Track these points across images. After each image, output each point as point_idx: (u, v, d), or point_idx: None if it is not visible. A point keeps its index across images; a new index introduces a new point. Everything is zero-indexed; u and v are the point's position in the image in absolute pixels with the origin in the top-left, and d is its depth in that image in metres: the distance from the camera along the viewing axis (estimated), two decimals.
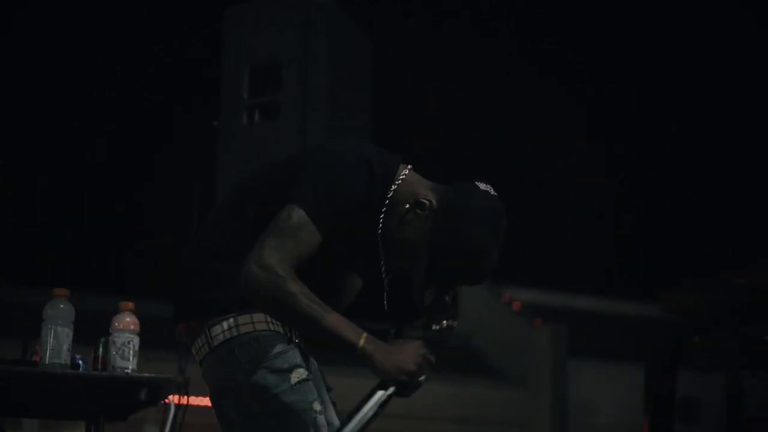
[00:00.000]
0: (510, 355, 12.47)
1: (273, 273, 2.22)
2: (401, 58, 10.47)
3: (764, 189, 11.35)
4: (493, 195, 2.38)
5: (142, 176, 11.08)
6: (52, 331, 3.12)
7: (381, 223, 2.38)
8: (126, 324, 3.22)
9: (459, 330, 2.39)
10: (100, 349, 3.23)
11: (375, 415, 2.29)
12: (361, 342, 2.26)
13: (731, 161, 12.12)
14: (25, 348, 3.25)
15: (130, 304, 3.25)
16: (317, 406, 2.31)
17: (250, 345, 2.32)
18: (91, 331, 3.32)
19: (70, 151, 10.80)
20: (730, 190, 12.09)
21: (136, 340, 3.23)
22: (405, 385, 2.31)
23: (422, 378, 2.32)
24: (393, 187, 2.39)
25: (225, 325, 2.34)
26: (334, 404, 2.53)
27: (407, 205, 2.37)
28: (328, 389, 2.54)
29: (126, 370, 3.19)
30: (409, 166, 2.45)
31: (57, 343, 3.12)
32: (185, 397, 3.72)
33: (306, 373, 2.33)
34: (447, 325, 2.34)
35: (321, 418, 2.32)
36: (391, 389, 2.31)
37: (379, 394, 2.31)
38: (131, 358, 3.20)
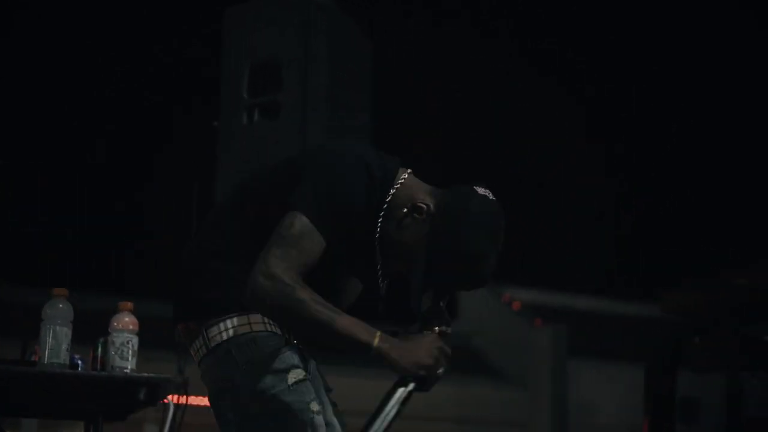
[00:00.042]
0: (510, 355, 12.47)
1: (280, 282, 2.22)
2: (401, 58, 10.47)
3: (764, 189, 11.35)
4: (492, 199, 2.37)
5: (142, 176, 11.09)
6: (51, 331, 3.11)
7: (379, 226, 2.38)
8: (125, 324, 3.21)
9: (459, 330, 2.38)
10: (99, 349, 3.23)
11: (398, 413, 2.29)
12: (376, 341, 2.25)
13: (731, 161, 12.13)
14: (24, 348, 3.24)
15: (129, 304, 3.25)
16: (315, 406, 2.31)
17: (247, 346, 2.32)
18: (91, 330, 3.32)
19: (70, 151, 10.80)
20: (730, 190, 12.09)
21: (135, 340, 3.22)
22: (424, 380, 2.30)
23: (440, 371, 2.32)
24: (392, 191, 2.38)
25: (222, 326, 2.34)
26: (334, 405, 2.52)
27: (405, 210, 2.37)
28: (328, 390, 2.53)
29: (125, 370, 3.19)
30: (409, 170, 2.44)
31: (56, 342, 3.11)
32: (184, 397, 3.71)
33: (303, 373, 2.33)
34: (440, 331, 2.33)
35: (319, 419, 2.31)
36: (411, 385, 2.30)
37: (400, 392, 2.29)
38: (130, 358, 3.20)
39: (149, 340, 3.50)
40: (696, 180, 12.47)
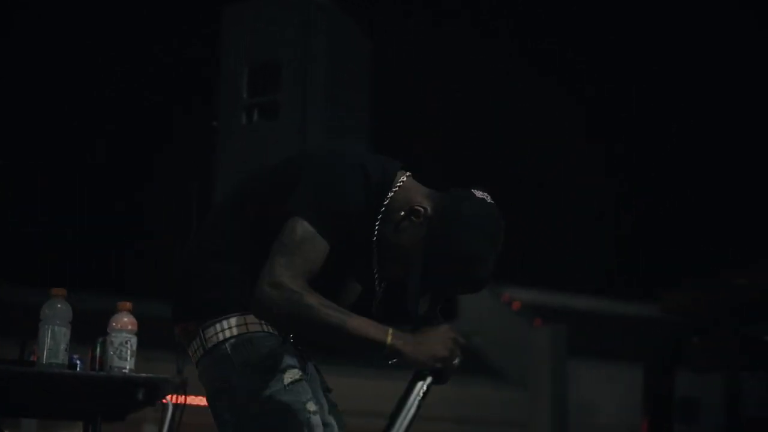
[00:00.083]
0: (510, 355, 12.48)
1: (287, 290, 2.21)
2: (401, 58, 10.47)
3: (764, 189, 11.35)
4: (490, 202, 2.36)
5: (142, 176, 11.09)
6: (50, 331, 3.10)
7: (377, 229, 2.37)
8: (123, 324, 3.20)
9: (459, 330, 2.37)
10: (98, 349, 3.22)
11: (419, 407, 2.27)
12: (389, 339, 2.24)
13: (731, 161, 12.12)
14: (22, 348, 3.23)
15: (128, 304, 3.24)
16: (311, 407, 2.30)
17: (243, 346, 2.31)
18: (92, 330, 3.31)
19: (69, 151, 10.80)
20: (730, 190, 12.08)
21: (134, 340, 3.22)
22: (441, 372, 2.30)
23: (456, 361, 2.31)
24: (390, 195, 2.38)
25: (219, 327, 2.33)
26: (334, 405, 2.52)
27: (402, 213, 2.36)
28: (328, 390, 2.53)
29: (123, 370, 3.18)
30: (408, 173, 2.44)
31: (54, 343, 3.10)
32: (183, 396, 3.71)
33: (299, 373, 2.32)
34: None
35: (315, 419, 2.31)
36: (429, 379, 2.29)
37: (419, 386, 2.28)
38: (129, 358, 3.19)
39: (149, 340, 3.49)
40: (696, 180, 12.47)
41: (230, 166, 4.78)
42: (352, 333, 2.22)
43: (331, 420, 2.44)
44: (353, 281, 2.51)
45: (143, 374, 3.21)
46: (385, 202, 2.36)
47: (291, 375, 2.30)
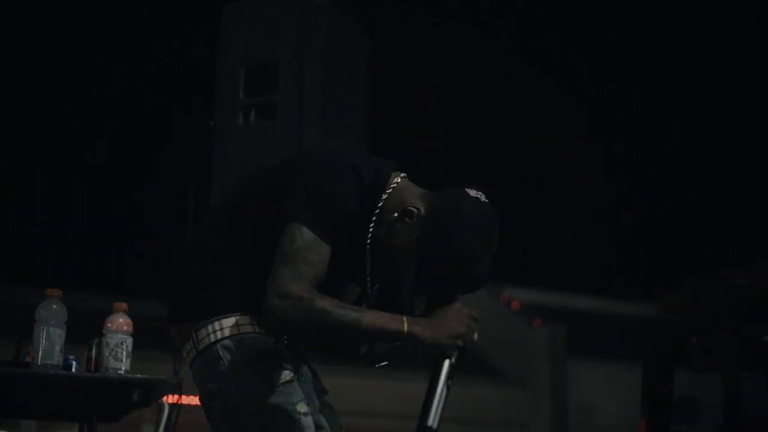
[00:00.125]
0: (510, 355, 12.47)
1: (296, 299, 2.20)
2: (400, 58, 10.46)
3: (764, 189, 11.34)
4: (484, 202, 2.35)
5: (141, 176, 11.09)
6: (45, 332, 3.10)
7: (371, 231, 2.36)
8: (119, 325, 3.20)
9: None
10: (93, 350, 3.21)
11: (449, 389, 2.27)
12: (406, 327, 2.24)
13: (731, 161, 12.12)
14: (18, 349, 3.23)
15: (124, 305, 3.23)
16: (302, 408, 2.30)
17: (235, 348, 2.30)
18: (91, 330, 3.30)
19: (69, 151, 10.80)
20: (730, 189, 12.08)
21: (129, 341, 3.21)
22: (463, 349, 2.28)
23: (475, 335, 2.31)
24: (384, 196, 2.37)
25: (210, 328, 2.33)
26: (330, 406, 2.51)
27: (396, 214, 2.35)
28: (324, 392, 2.52)
29: (119, 371, 3.17)
30: (402, 174, 2.43)
31: (49, 344, 3.10)
32: (178, 397, 3.70)
33: (291, 374, 2.31)
34: None
35: (307, 420, 2.30)
36: (453, 358, 2.29)
37: (446, 367, 2.28)
38: (124, 359, 3.18)
39: (146, 340, 3.48)
40: (696, 180, 12.46)
41: (227, 166, 4.78)
42: (369, 328, 2.22)
43: (324, 422, 2.44)
44: (351, 281, 2.50)
45: (138, 375, 3.20)
46: (379, 204, 2.36)
47: (282, 376, 2.30)
